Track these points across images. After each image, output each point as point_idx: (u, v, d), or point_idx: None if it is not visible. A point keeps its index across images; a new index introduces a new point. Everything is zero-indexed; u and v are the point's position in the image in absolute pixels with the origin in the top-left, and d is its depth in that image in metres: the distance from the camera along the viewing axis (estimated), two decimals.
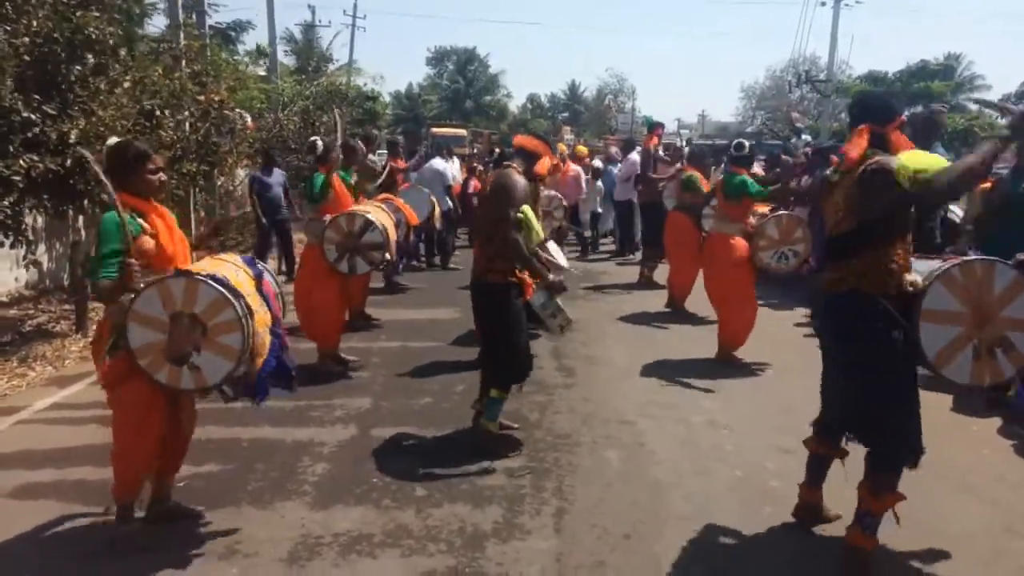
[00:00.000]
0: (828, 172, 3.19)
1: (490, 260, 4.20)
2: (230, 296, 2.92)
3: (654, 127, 10.08)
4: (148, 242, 3.07)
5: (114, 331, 3.04)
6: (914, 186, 2.75)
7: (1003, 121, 3.01)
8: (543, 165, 4.34)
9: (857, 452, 3.14)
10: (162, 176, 3.25)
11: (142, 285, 2.97)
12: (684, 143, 11.50)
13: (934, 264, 3.01)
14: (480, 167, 13.05)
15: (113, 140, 3.29)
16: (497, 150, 10.83)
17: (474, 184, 11.52)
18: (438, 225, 9.73)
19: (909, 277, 2.90)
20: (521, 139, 4.50)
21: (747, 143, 6.19)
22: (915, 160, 2.82)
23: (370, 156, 8.80)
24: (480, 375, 4.50)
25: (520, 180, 4.14)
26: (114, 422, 3.18)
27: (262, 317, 3.08)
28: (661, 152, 10.10)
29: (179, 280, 2.94)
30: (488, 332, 4.38)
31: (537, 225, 4.25)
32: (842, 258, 3.02)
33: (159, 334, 2.93)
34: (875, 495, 2.96)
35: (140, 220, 3.10)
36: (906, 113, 3.44)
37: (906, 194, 2.79)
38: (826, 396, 3.31)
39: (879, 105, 3.09)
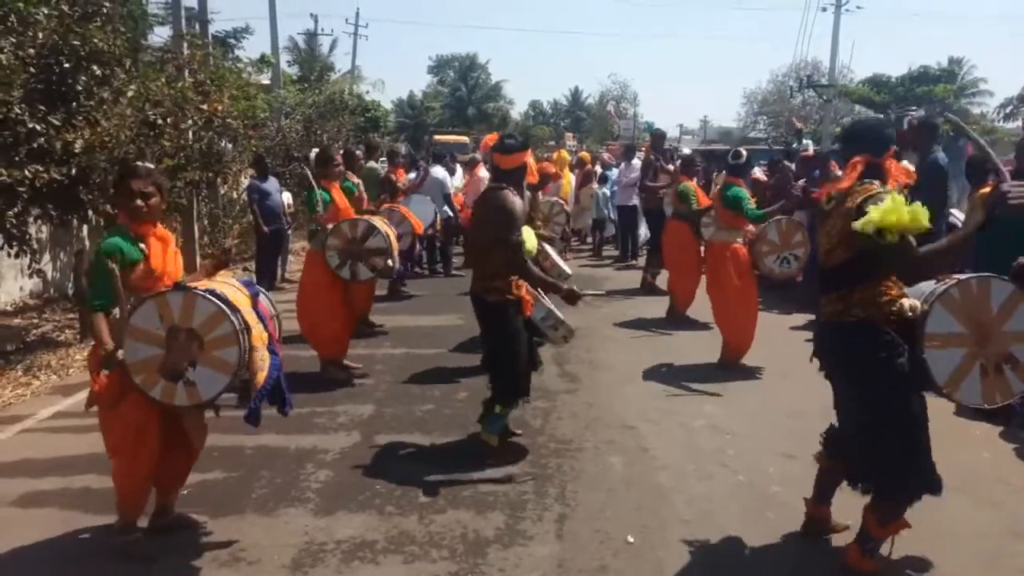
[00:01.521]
0: (822, 200, 3.14)
1: (488, 279, 4.20)
2: (227, 310, 2.94)
3: (651, 135, 10.20)
4: (139, 268, 3.09)
5: (104, 364, 3.04)
6: (898, 247, 2.68)
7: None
8: (532, 172, 4.34)
9: None
10: (148, 202, 3.12)
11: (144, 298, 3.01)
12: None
13: (928, 286, 2.95)
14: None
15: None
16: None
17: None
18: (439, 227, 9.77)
19: (908, 302, 2.84)
20: (501, 159, 4.25)
21: (744, 152, 6.20)
22: (905, 214, 2.68)
23: (372, 163, 8.84)
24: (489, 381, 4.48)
25: (517, 200, 4.15)
26: (109, 443, 3.18)
27: (259, 333, 3.10)
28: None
29: (177, 294, 2.96)
30: (489, 349, 4.40)
31: (531, 244, 4.26)
32: (838, 288, 2.95)
33: (155, 348, 2.95)
34: (880, 524, 2.94)
35: (140, 244, 3.11)
36: (908, 116, 3.43)
37: (884, 248, 2.69)
38: (839, 423, 3.26)
39: (874, 136, 3.02)
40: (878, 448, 2.90)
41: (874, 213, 2.66)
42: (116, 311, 3.05)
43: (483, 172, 10.80)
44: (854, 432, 3.08)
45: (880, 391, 2.86)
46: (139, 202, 3.12)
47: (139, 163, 3.22)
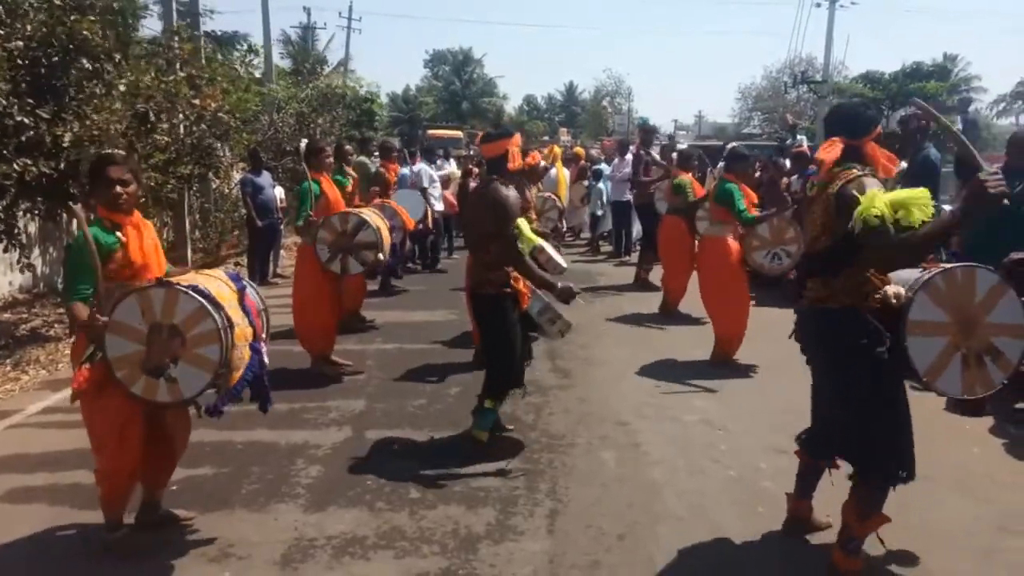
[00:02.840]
0: (807, 187, 3.14)
1: (484, 272, 4.19)
2: (210, 307, 2.87)
3: (640, 129, 10.23)
4: (117, 257, 3.05)
5: (92, 341, 2.98)
6: (872, 234, 2.65)
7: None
8: (514, 159, 4.26)
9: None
10: (127, 189, 3.10)
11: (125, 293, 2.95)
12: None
13: (913, 274, 2.94)
14: (477, 170, 13.11)
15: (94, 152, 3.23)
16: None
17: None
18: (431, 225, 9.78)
19: (891, 290, 2.84)
20: (484, 148, 4.31)
21: (731, 145, 6.20)
22: (897, 201, 2.68)
23: (362, 157, 8.80)
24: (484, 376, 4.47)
25: (511, 193, 4.13)
26: (93, 438, 3.13)
27: (243, 330, 3.03)
28: (656, 155, 10.11)
29: (159, 290, 2.90)
30: (484, 342, 4.38)
31: (529, 235, 4.26)
32: (822, 275, 2.97)
33: (136, 345, 2.88)
34: (860, 518, 2.93)
35: (117, 233, 3.07)
36: (900, 113, 3.39)
37: (872, 235, 2.66)
38: (815, 409, 3.26)
39: (851, 117, 3.01)
40: (858, 434, 2.92)
41: (858, 209, 2.67)
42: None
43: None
44: (833, 416, 3.08)
45: (861, 377, 2.87)
46: (118, 189, 3.08)
47: (114, 150, 3.15)
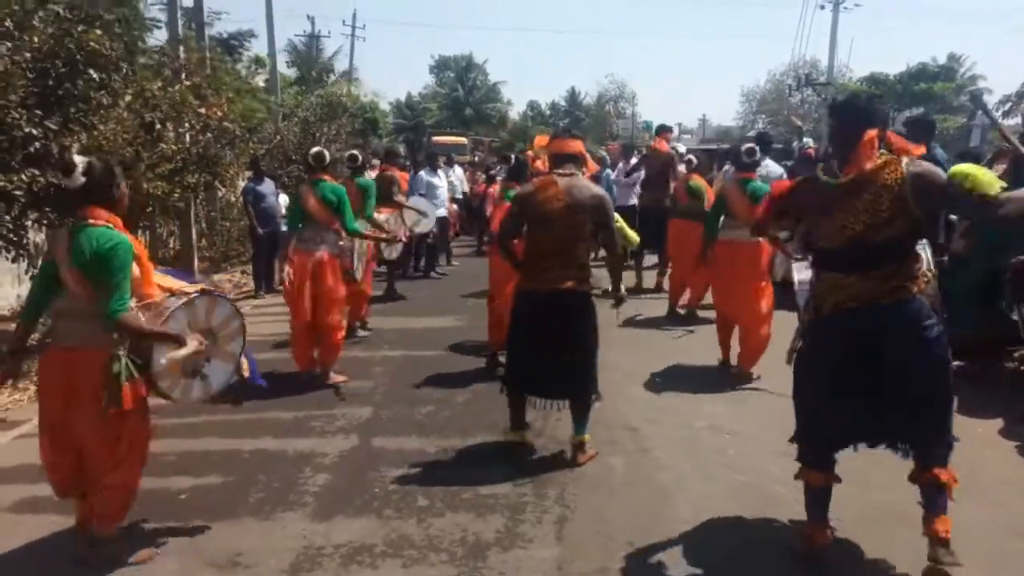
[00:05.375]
0: (825, 180, 3.02)
1: (568, 269, 4.08)
2: (237, 308, 3.37)
3: (661, 132, 10.05)
4: (135, 268, 3.02)
5: (128, 357, 2.93)
6: (993, 201, 2.68)
7: (1006, 120, 2.96)
8: (591, 166, 4.37)
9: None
10: (123, 188, 3.10)
11: (167, 307, 3.03)
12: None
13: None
14: (483, 175, 13.10)
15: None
16: (514, 157, 10.42)
17: (487, 191, 11.65)
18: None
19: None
20: (562, 144, 4.21)
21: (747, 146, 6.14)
22: (982, 174, 2.72)
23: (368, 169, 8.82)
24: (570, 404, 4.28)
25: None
26: (139, 453, 3.16)
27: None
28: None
29: (203, 298, 3.22)
30: (570, 342, 4.12)
31: (629, 231, 4.29)
32: (884, 265, 2.87)
33: (179, 351, 3.04)
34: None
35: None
36: (907, 114, 3.41)
37: (978, 206, 2.73)
38: (844, 414, 3.03)
39: (876, 109, 2.98)
40: (947, 411, 3.02)
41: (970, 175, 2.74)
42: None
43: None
44: (915, 404, 2.94)
45: (942, 356, 2.92)
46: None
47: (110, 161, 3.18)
